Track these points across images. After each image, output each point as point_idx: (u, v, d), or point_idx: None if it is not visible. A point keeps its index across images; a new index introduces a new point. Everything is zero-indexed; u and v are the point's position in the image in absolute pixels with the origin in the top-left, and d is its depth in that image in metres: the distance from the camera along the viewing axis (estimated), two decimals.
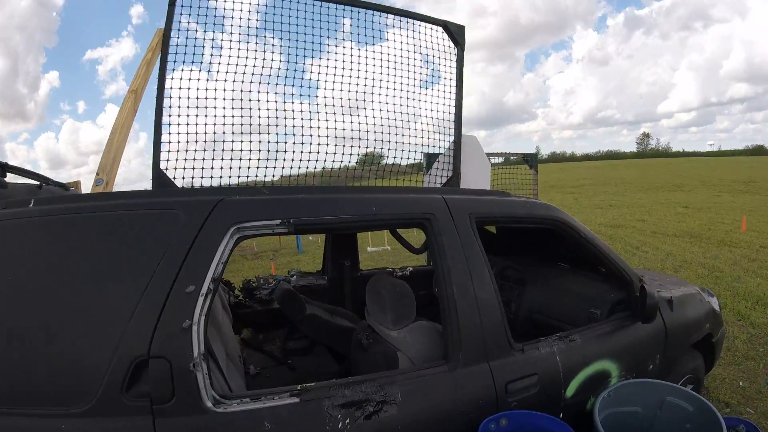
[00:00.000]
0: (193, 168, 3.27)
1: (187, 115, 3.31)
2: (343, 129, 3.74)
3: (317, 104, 3.79)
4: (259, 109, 3.56)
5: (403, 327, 3.24)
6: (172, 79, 3.31)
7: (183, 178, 3.19)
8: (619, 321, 3.54)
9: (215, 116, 3.40)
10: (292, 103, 3.70)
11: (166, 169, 3.12)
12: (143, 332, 2.14)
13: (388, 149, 3.94)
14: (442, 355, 2.89)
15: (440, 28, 4.09)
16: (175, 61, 3.31)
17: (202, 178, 3.27)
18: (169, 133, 3.25)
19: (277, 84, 3.69)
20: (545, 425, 2.81)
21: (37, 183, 3.19)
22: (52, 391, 2.09)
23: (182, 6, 3.35)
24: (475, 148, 4.42)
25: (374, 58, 3.86)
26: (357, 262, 5.81)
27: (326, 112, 3.72)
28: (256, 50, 3.60)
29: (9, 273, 2.21)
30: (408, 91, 3.99)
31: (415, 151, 4.12)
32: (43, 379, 2.09)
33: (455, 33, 4.08)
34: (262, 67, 3.58)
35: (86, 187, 3.39)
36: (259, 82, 3.58)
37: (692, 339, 4.09)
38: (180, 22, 3.36)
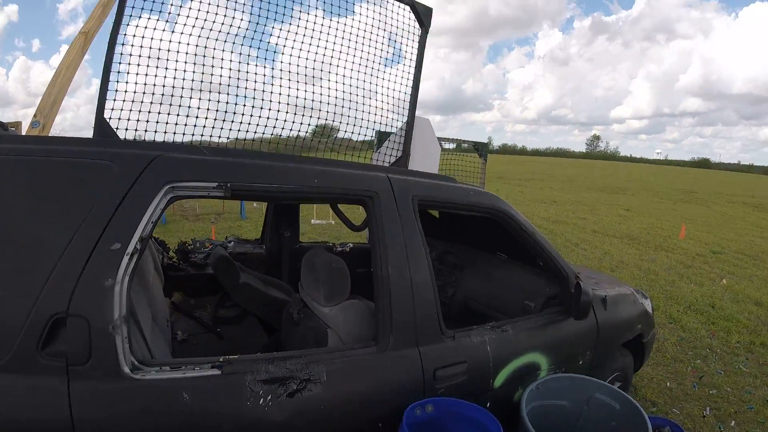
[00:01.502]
0: (139, 120, 3.08)
1: (139, 65, 3.11)
2: (302, 98, 3.63)
3: (279, 69, 3.65)
4: (218, 67, 3.44)
5: (336, 304, 3.15)
6: (127, 25, 3.10)
7: (126, 129, 2.98)
8: (552, 315, 3.54)
9: (173, 69, 3.24)
10: (255, 65, 3.58)
11: (110, 118, 2.90)
12: (64, 288, 2.01)
13: (344, 123, 3.86)
14: (372, 336, 2.83)
15: (407, 7, 3.98)
16: (133, 7, 3.08)
17: (146, 131, 3.11)
18: (117, 81, 3.05)
19: (240, 44, 3.55)
20: (471, 414, 2.78)
21: None
22: None
23: None
24: (427, 131, 4.36)
25: (339, 30, 3.75)
26: (297, 234, 5.70)
27: (288, 79, 3.59)
28: (219, 5, 3.41)
29: None
30: (369, 67, 3.92)
31: (368, 128, 4.04)
32: None
33: (422, 14, 3.97)
34: (225, 24, 3.41)
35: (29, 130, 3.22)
36: (221, 40, 3.44)
37: (623, 338, 4.14)
38: None
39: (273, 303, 4.44)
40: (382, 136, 4.27)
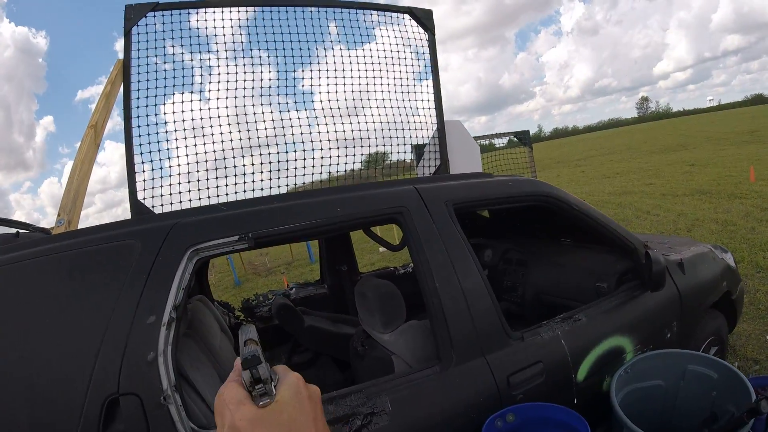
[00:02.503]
0: (198, 189, 3.24)
1: (186, 139, 3.32)
2: (344, 132, 3.70)
3: (315, 112, 3.77)
4: (256, 123, 3.56)
5: (395, 329, 3.05)
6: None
7: (180, 202, 3.16)
8: (627, 292, 3.36)
9: (218, 136, 3.39)
10: (289, 116, 3.67)
11: (144, 198, 3.04)
12: (111, 369, 2.04)
13: (389, 146, 3.89)
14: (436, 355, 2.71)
15: (407, 16, 3.94)
16: (138, 90, 3.23)
17: (202, 197, 3.23)
18: (155, 159, 3.22)
19: (271, 96, 3.66)
20: (555, 416, 2.63)
21: (14, 231, 3.09)
22: None
23: (148, 33, 3.30)
24: (461, 133, 4.26)
25: (364, 57, 3.82)
26: (355, 266, 5.70)
27: (324, 116, 3.70)
28: (245, 67, 3.59)
29: None
30: (402, 85, 3.93)
31: (413, 144, 4.09)
32: (24, 428, 1.97)
33: (422, 18, 3.96)
34: (254, 81, 3.55)
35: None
36: (253, 96, 3.55)
37: (710, 300, 3.91)
38: (159, 47, 3.33)
39: (340, 339, 4.40)
40: (419, 150, 4.20)
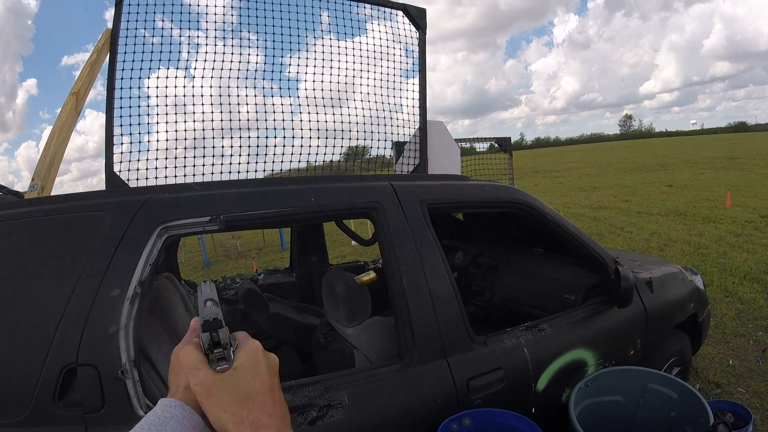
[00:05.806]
0: (175, 167, 3.25)
1: (166, 115, 3.29)
2: (329, 122, 3.70)
3: (303, 98, 3.75)
4: (243, 104, 3.56)
5: (359, 324, 3.04)
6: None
7: (156, 178, 3.16)
8: (594, 306, 3.37)
9: (199, 115, 3.38)
10: (279, 98, 3.68)
11: (120, 171, 3.03)
12: (71, 339, 2.01)
13: (370, 140, 3.90)
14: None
15: (400, 12, 3.92)
16: (124, 61, 3.20)
17: (179, 175, 3.24)
18: (135, 133, 3.20)
19: (256, 79, 3.70)
20: (511, 423, 2.62)
21: None
22: None
23: (139, 5, 3.26)
24: (443, 134, 4.25)
25: (353, 50, 3.81)
26: (325, 257, 5.66)
27: (308, 105, 3.69)
28: (233, 48, 3.58)
29: None
30: (388, 81, 3.94)
31: (394, 141, 4.10)
32: None
33: (415, 16, 3.96)
34: (240, 62, 3.55)
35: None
36: (238, 77, 3.57)
37: (676, 320, 3.94)
38: (150, 21, 3.30)
39: (303, 329, 4.39)
40: (399, 147, 4.17)
